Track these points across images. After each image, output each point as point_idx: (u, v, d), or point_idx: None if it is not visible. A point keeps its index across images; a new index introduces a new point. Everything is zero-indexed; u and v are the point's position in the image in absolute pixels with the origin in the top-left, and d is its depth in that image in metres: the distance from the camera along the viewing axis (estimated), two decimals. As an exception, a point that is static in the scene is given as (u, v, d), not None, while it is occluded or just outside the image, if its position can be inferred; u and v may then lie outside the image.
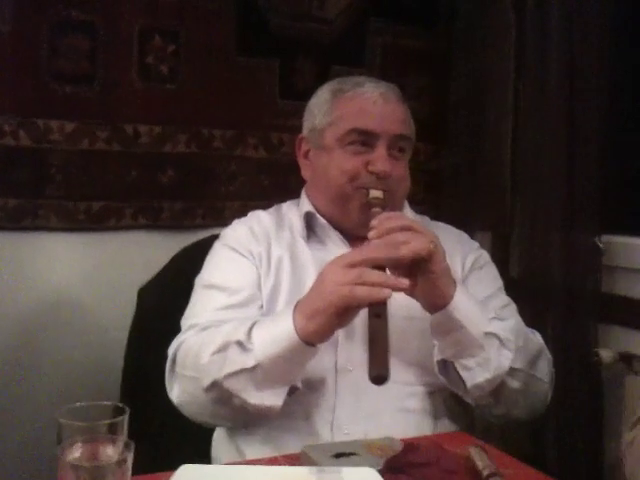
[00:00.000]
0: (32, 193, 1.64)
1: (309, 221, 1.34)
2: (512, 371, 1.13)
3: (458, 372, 1.15)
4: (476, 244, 1.40)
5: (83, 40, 1.64)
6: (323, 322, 1.05)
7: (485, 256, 1.37)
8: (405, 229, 1.10)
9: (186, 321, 1.25)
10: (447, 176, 2.09)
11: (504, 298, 1.30)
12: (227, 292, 1.25)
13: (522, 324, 1.23)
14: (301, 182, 1.90)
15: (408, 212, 1.37)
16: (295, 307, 1.10)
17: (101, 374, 1.64)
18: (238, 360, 1.10)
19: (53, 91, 1.63)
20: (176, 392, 1.19)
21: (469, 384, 1.14)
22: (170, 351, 1.21)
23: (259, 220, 1.37)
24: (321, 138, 1.32)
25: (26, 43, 1.60)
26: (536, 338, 1.23)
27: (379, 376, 0.98)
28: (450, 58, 2.05)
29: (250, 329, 1.11)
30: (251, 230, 1.34)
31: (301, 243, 1.31)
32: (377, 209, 1.20)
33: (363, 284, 1.01)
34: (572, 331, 1.66)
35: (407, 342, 1.20)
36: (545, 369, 1.21)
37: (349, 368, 1.21)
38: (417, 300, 1.13)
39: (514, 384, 1.14)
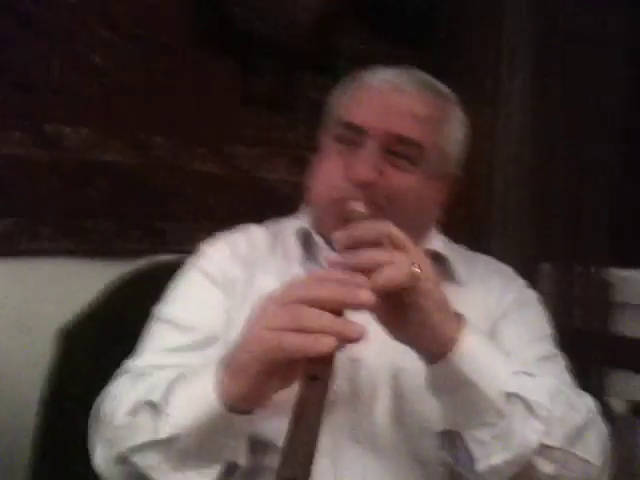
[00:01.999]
0: None
1: (306, 239, 1.08)
2: (544, 450, 0.83)
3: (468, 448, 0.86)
4: (522, 281, 1.13)
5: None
6: (249, 382, 0.77)
7: (530, 295, 1.10)
8: (381, 243, 0.80)
9: (127, 362, 0.98)
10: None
11: (547, 349, 1.03)
12: (180, 329, 0.99)
13: (566, 384, 0.96)
14: (259, 202, 1.65)
15: (436, 241, 1.09)
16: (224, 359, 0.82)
17: (5, 442, 1.29)
18: (147, 428, 0.83)
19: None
20: (97, 456, 0.91)
21: (481, 466, 0.84)
22: (97, 402, 0.94)
23: (248, 236, 1.11)
24: (321, 136, 1.09)
25: None
26: (583, 403, 0.91)
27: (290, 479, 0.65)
28: (430, 69, 1.85)
29: (172, 385, 0.84)
30: (233, 248, 1.08)
31: (296, 268, 1.04)
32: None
33: (299, 330, 0.73)
34: (575, 377, 1.45)
35: (426, 404, 0.91)
36: (594, 447, 0.88)
37: (354, 439, 0.94)
38: (408, 346, 0.84)
39: (546, 467, 0.83)
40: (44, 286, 1.37)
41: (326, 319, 0.73)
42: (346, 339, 0.72)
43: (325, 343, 0.71)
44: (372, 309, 0.78)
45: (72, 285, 1.38)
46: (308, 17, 1.68)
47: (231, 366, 0.79)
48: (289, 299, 0.76)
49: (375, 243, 0.80)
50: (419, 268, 0.78)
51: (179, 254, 1.35)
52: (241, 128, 1.61)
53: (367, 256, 0.78)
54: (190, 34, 1.52)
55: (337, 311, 0.76)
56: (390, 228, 0.82)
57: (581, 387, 1.50)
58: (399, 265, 0.77)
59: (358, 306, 0.75)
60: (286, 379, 0.77)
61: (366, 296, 0.74)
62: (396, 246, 0.80)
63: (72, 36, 1.39)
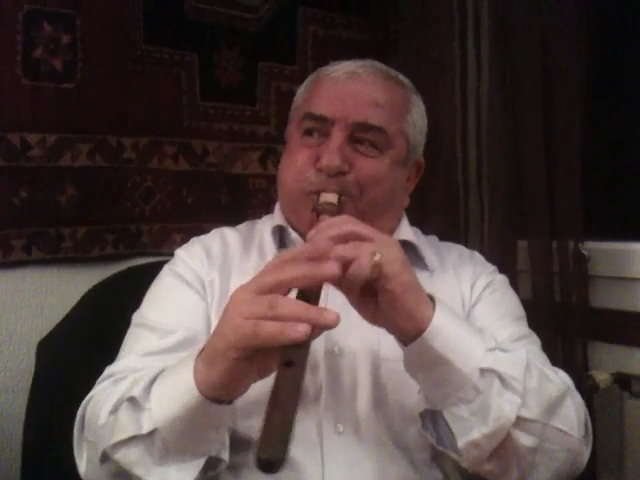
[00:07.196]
0: None
1: (282, 237, 1.08)
2: (521, 422, 0.84)
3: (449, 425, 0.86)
4: (492, 267, 1.15)
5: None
6: (225, 370, 0.78)
7: (501, 280, 1.12)
8: (350, 238, 0.81)
9: (107, 368, 0.98)
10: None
11: (521, 329, 1.04)
12: (158, 333, 0.98)
13: (539, 359, 0.96)
14: (234, 197, 1.64)
15: (406, 231, 1.11)
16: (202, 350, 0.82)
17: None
18: (129, 424, 0.84)
19: None
20: (83, 462, 0.92)
21: (462, 441, 0.85)
22: (80, 409, 0.94)
23: (222, 239, 1.11)
24: (288, 130, 1.10)
25: None
26: (558, 378, 0.93)
27: (268, 462, 0.64)
28: (387, 50, 1.84)
29: (152, 381, 0.85)
30: (207, 251, 1.08)
31: None
32: (325, 217, 0.93)
33: (274, 318, 0.74)
34: (557, 352, 1.46)
35: (406, 392, 0.93)
36: (571, 418, 0.90)
37: (338, 430, 0.95)
38: (385, 329, 0.85)
39: (525, 440, 0.85)
40: (21, 298, 1.35)
41: (300, 307, 0.75)
42: (320, 326, 0.74)
43: (299, 330, 0.72)
44: (336, 282, 0.80)
45: (50, 295, 1.37)
46: (264, 2, 1.65)
47: (207, 354, 0.80)
48: (263, 287, 0.77)
49: (344, 239, 0.81)
50: (383, 254, 0.79)
51: (156, 257, 1.35)
52: (209, 123, 1.59)
53: (334, 255, 0.79)
54: (147, 30, 1.49)
55: (315, 294, 0.78)
56: (350, 225, 0.84)
57: (565, 361, 1.51)
58: (361, 260, 0.79)
59: (325, 278, 0.77)
60: (263, 367, 0.78)
61: (330, 268, 0.76)
62: (360, 238, 0.82)
63: (31, 42, 1.36)
